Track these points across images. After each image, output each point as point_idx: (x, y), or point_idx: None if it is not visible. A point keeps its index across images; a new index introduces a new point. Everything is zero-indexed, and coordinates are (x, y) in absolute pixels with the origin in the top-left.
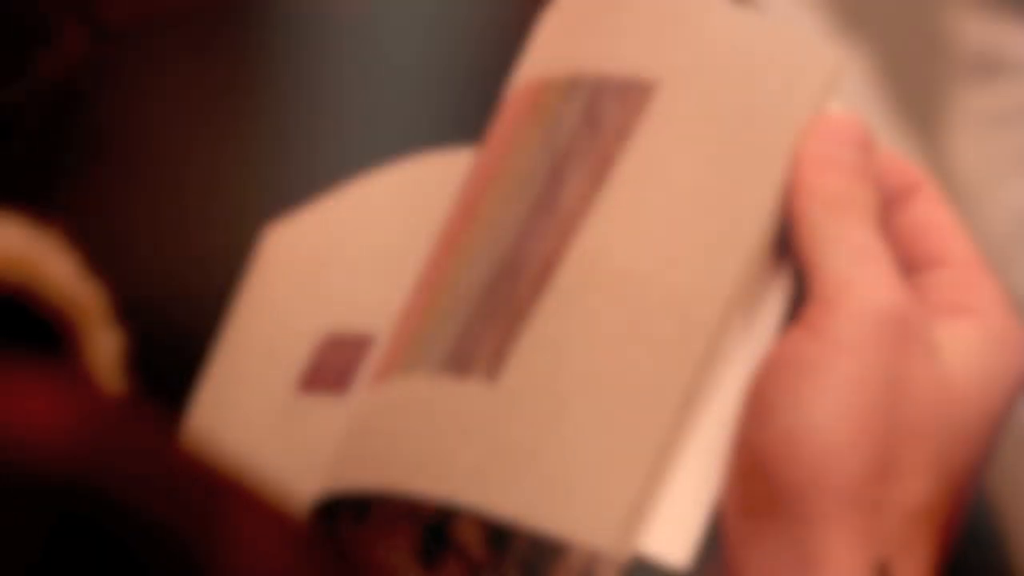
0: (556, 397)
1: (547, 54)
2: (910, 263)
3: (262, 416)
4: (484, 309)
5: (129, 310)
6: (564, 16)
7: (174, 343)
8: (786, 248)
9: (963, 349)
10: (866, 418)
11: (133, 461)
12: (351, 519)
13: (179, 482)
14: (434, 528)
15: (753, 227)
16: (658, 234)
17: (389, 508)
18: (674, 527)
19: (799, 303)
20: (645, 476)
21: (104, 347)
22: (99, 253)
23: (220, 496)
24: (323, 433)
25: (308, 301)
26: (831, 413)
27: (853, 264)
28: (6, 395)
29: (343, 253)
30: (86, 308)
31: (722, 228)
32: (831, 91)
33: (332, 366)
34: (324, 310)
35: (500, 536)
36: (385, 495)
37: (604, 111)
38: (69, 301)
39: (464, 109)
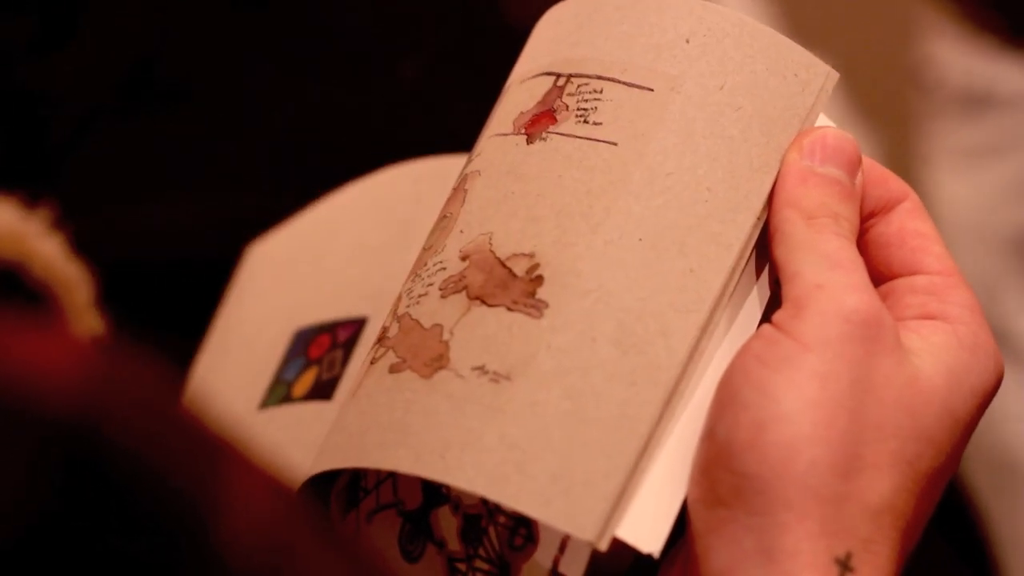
0: (547, 389)
1: (545, 54)
2: (887, 271)
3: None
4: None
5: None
6: (561, 18)
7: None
8: (765, 253)
9: (932, 353)
10: (831, 413)
11: (138, 411)
12: (341, 508)
13: (180, 434)
14: (415, 518)
15: (740, 233)
16: (649, 232)
17: (375, 498)
18: (649, 516)
19: (774, 306)
20: (628, 468)
21: (85, 325)
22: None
23: (218, 452)
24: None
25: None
26: (796, 406)
27: (824, 270)
28: (14, 344)
29: (322, 251)
30: (71, 286)
31: (713, 231)
32: (821, 104)
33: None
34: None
35: (473, 529)
36: (375, 468)
37: (601, 110)
38: (55, 278)
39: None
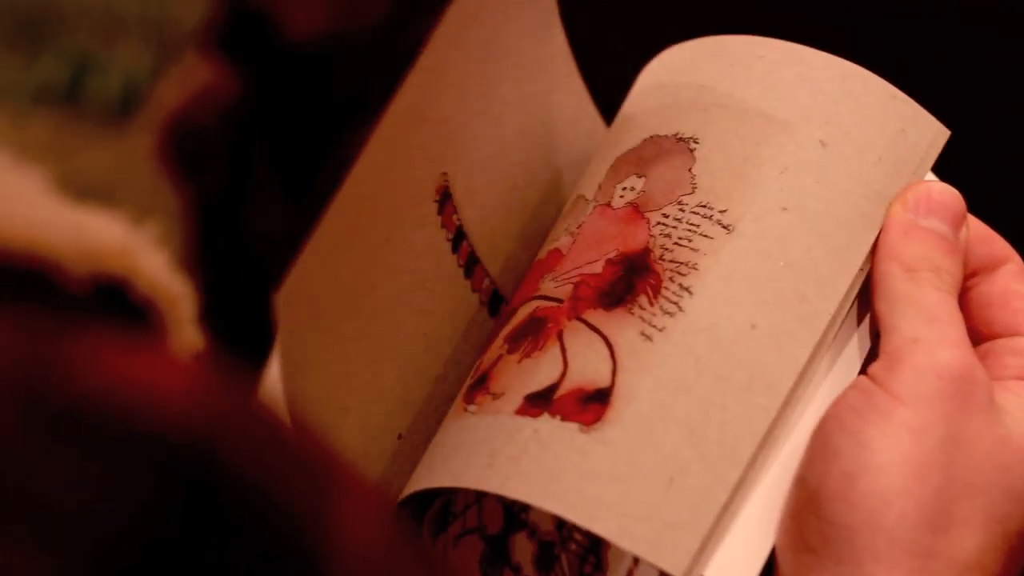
0: (646, 427)
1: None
2: (988, 330)
3: None
4: None
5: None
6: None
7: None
8: (867, 304)
9: None
10: (922, 467)
11: (251, 434)
12: (432, 531)
13: (292, 457)
14: (495, 542)
15: (843, 282)
16: (758, 281)
17: (462, 522)
18: (738, 558)
19: (873, 357)
20: (720, 508)
21: (188, 341)
22: None
23: (327, 474)
24: None
25: None
26: (889, 459)
27: (921, 324)
28: (126, 364)
29: None
30: (175, 301)
31: (818, 279)
32: (930, 159)
33: None
34: None
35: (547, 556)
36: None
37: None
38: (160, 294)
39: None
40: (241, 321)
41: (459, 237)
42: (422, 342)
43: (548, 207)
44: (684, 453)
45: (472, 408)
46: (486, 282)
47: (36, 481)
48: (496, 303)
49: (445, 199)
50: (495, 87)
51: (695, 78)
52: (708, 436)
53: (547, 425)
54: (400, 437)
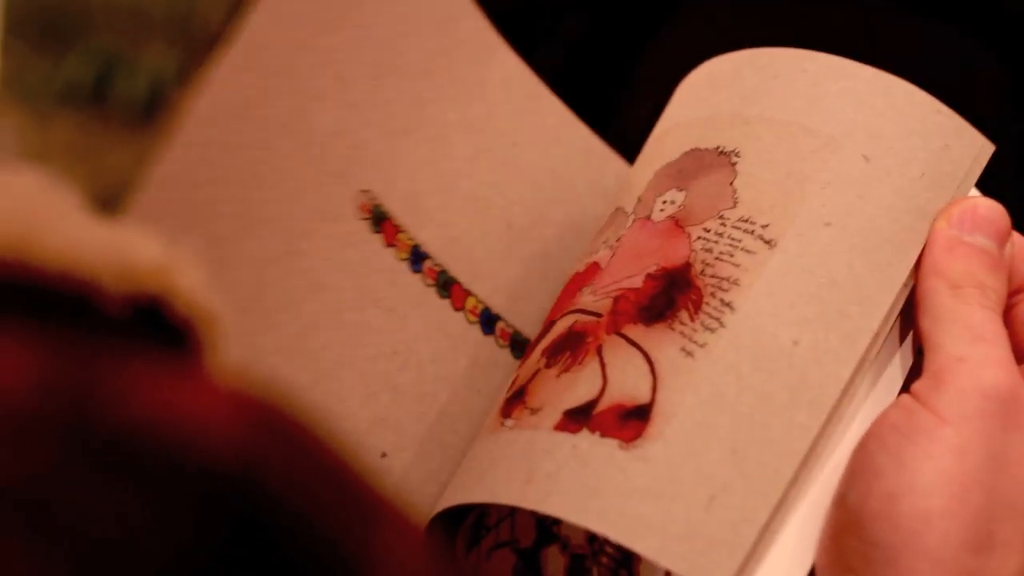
0: (690, 449)
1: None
2: None
3: None
4: None
5: None
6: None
7: None
8: (910, 321)
9: None
10: (965, 488)
11: (298, 463)
12: (465, 545)
13: (337, 488)
14: (527, 555)
15: (886, 299)
16: (800, 297)
17: (495, 535)
18: None
19: (916, 374)
20: (760, 526)
21: (225, 361)
22: None
23: (372, 506)
24: None
25: None
26: (931, 479)
27: (967, 342)
28: (167, 389)
29: None
30: (212, 321)
31: (861, 296)
32: (974, 174)
33: None
34: None
35: (578, 569)
36: (509, 504)
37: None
38: (198, 312)
39: None
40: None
41: (418, 257)
42: (394, 360)
43: (543, 225)
44: (725, 471)
45: (509, 423)
46: (471, 301)
47: (78, 513)
48: (490, 322)
49: (379, 218)
50: (425, 108)
51: (737, 91)
52: (750, 455)
53: (586, 441)
54: (384, 455)
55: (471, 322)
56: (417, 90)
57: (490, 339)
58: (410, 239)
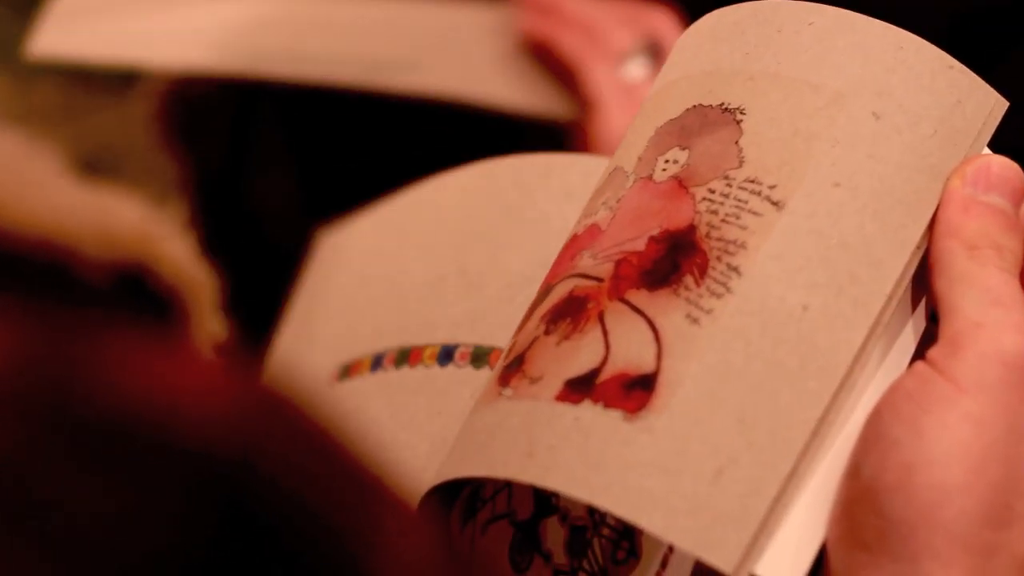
0: (696, 420)
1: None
2: None
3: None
4: None
5: None
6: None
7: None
8: (922, 284)
9: None
10: (983, 460)
11: (293, 445)
12: (461, 518)
13: (334, 470)
14: (525, 528)
15: (899, 261)
16: (809, 260)
17: (491, 508)
18: (790, 553)
19: (929, 340)
20: (770, 501)
21: (210, 330)
22: None
23: (370, 488)
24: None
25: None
26: (949, 450)
27: (985, 306)
28: (151, 364)
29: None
30: (199, 290)
31: (872, 258)
32: (988, 131)
33: None
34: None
35: (579, 542)
36: (508, 478)
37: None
38: (184, 282)
39: None
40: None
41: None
42: None
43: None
44: (734, 443)
45: (508, 392)
46: (428, 351)
47: (62, 500)
48: (448, 354)
49: None
50: None
51: (740, 44)
52: (759, 424)
53: (589, 412)
54: None
55: (428, 366)
56: None
57: (449, 367)
58: None
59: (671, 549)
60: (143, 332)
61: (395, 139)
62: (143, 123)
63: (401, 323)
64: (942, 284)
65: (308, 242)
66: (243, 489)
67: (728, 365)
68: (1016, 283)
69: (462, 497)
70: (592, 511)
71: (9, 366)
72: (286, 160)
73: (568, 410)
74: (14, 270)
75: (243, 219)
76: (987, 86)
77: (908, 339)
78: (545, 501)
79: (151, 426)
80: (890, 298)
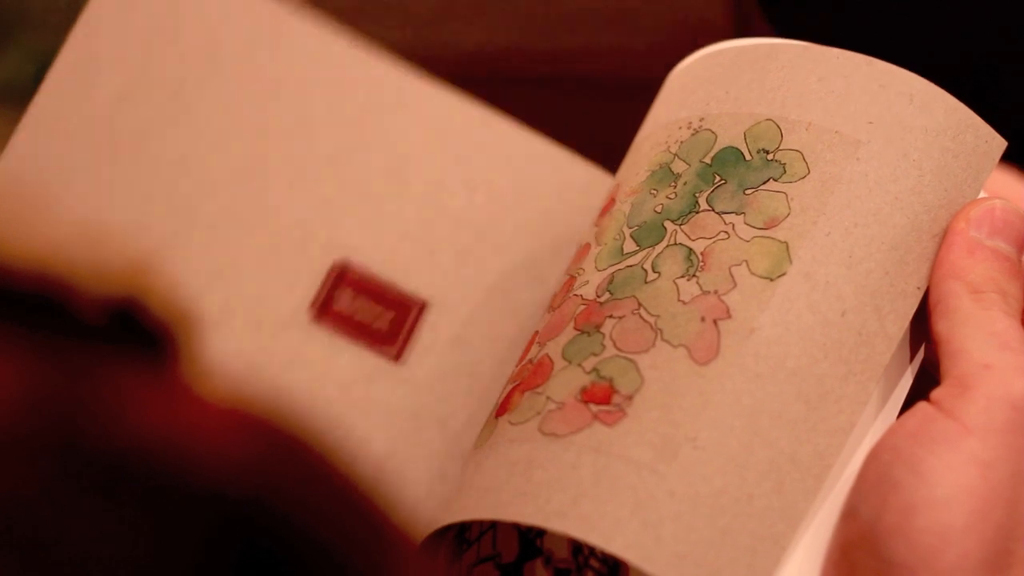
0: (701, 469)
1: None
2: None
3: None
4: None
5: None
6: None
7: None
8: (919, 326)
9: None
10: (987, 503)
11: (309, 485)
12: (448, 559)
13: (350, 511)
14: (510, 571)
15: (907, 303)
16: (815, 315)
17: (476, 550)
18: None
19: (928, 380)
20: (774, 546)
21: (199, 368)
22: None
23: (384, 528)
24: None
25: None
26: (952, 492)
27: (993, 349)
28: (172, 405)
29: None
30: (187, 322)
31: (877, 304)
32: (987, 172)
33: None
34: None
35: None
36: (515, 521)
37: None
38: (173, 315)
39: None
40: None
41: None
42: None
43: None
44: (743, 491)
45: (513, 432)
46: None
47: (77, 541)
48: None
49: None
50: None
51: (732, 88)
52: (763, 476)
53: (602, 458)
54: None
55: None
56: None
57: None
58: None
59: None
60: (146, 368)
61: None
62: None
63: None
64: (944, 325)
65: None
66: (259, 528)
67: (736, 416)
68: (1020, 328)
69: (447, 538)
70: (576, 553)
71: (19, 405)
72: None
73: (573, 447)
74: (9, 305)
75: None
76: (986, 125)
77: (906, 379)
78: (530, 544)
79: (165, 465)
80: (893, 343)
